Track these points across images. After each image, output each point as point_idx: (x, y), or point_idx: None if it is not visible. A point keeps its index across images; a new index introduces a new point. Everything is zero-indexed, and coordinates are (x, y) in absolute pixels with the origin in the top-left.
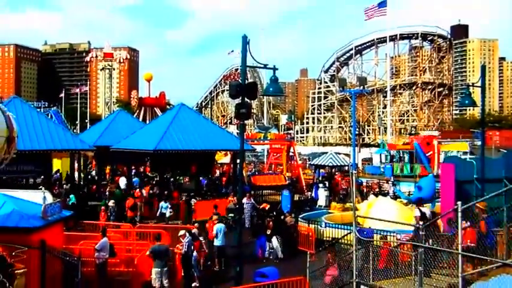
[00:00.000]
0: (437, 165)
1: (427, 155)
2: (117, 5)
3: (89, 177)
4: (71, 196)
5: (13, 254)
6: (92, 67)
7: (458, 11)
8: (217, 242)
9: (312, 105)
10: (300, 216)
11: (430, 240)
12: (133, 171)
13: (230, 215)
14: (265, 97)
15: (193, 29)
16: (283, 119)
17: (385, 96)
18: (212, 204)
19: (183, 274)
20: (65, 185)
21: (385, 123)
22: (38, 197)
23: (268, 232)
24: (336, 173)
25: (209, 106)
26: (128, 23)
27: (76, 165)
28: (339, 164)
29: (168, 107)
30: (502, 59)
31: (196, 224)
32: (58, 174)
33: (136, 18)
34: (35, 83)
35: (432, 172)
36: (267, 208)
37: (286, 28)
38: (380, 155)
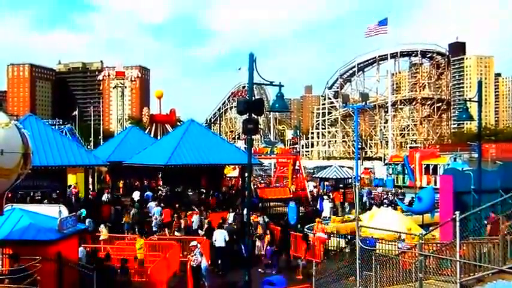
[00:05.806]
0: (419, 177)
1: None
2: (135, 25)
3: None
4: (82, 210)
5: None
6: (104, 85)
7: (455, 29)
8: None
9: (317, 121)
10: (306, 227)
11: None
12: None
13: None
14: (271, 113)
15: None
16: (289, 134)
17: (386, 112)
18: (220, 216)
19: (193, 284)
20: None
21: (386, 137)
22: (54, 211)
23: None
24: (340, 187)
25: (218, 122)
26: (145, 42)
27: (90, 180)
28: (343, 177)
29: (178, 123)
30: (498, 75)
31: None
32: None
33: (155, 37)
34: (49, 102)
35: (415, 183)
36: (256, 219)
37: (292, 46)
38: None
